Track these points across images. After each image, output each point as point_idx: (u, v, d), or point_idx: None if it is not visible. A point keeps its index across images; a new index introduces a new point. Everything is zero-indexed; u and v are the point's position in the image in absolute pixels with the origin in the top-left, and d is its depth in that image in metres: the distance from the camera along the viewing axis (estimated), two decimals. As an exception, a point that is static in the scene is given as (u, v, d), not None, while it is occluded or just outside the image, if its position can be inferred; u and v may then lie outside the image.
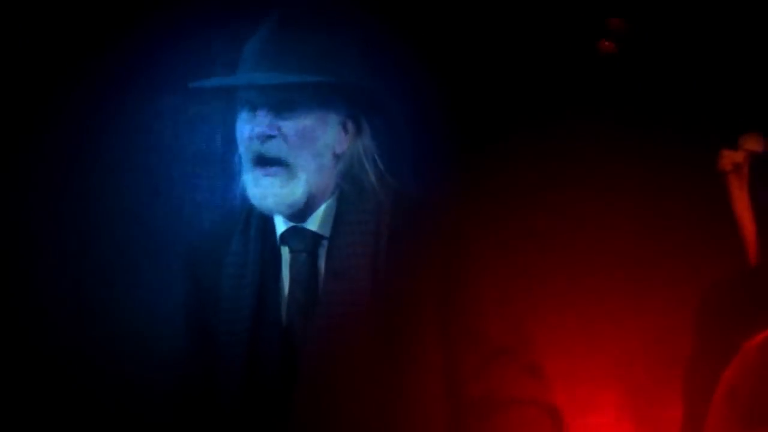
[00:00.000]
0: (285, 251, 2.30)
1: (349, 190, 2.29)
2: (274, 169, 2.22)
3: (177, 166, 3.50)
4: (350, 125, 2.28)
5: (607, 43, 3.51)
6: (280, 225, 2.30)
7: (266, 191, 2.22)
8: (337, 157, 2.27)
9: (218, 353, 2.29)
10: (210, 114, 3.41)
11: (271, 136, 2.20)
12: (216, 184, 3.47)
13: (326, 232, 2.28)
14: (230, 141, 2.32)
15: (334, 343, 2.21)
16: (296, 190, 2.22)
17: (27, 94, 3.35)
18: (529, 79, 3.52)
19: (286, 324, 2.27)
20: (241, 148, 2.25)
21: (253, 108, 2.22)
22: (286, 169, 2.22)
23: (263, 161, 2.21)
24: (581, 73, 3.52)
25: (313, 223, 2.28)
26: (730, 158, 3.17)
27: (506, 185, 3.44)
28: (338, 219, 2.28)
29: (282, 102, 2.21)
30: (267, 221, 2.31)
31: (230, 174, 2.38)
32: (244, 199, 2.29)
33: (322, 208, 2.28)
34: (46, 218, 3.42)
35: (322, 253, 2.28)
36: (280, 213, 2.27)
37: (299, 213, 2.26)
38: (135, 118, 3.44)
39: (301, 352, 2.23)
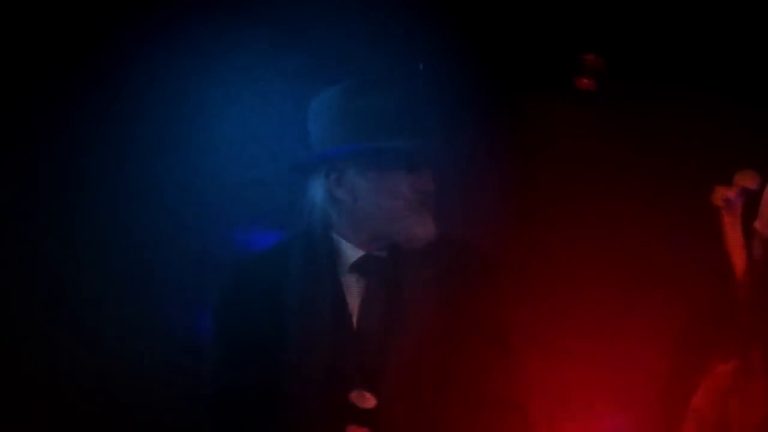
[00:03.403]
0: (352, 277, 2.65)
1: None
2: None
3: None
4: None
5: (585, 80, 3.48)
6: (352, 252, 2.65)
7: (428, 230, 2.60)
8: None
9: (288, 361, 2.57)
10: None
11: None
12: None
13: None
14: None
15: (406, 354, 2.58)
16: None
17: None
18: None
19: (359, 338, 2.62)
20: (400, 199, 2.61)
21: (413, 167, 2.61)
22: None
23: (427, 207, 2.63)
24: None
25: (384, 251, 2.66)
26: (721, 194, 3.13)
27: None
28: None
29: (422, 160, 2.62)
30: (334, 251, 2.65)
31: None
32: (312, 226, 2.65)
33: None
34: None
35: (389, 278, 2.65)
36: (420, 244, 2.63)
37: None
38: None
39: (378, 360, 2.60)
